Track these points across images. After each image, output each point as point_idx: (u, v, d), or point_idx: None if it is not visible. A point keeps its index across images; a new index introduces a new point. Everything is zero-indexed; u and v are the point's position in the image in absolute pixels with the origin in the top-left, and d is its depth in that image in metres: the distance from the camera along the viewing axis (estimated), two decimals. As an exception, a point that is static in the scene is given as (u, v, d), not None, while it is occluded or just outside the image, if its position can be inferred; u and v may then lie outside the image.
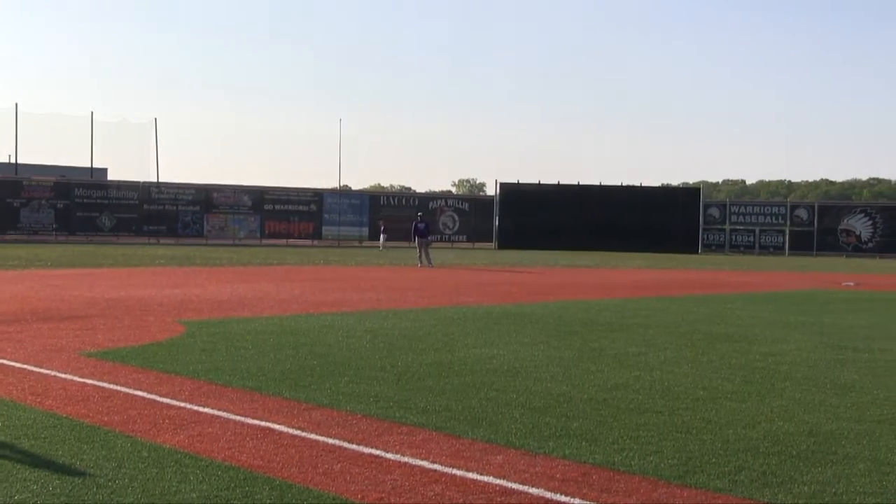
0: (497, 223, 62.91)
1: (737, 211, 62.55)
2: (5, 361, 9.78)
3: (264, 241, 57.32)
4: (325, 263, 35.04)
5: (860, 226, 59.23)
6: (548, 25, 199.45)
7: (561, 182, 62.93)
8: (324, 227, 60.01)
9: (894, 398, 8.78)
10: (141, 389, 8.30)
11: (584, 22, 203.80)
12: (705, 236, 61.31)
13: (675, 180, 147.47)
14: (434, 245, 40.06)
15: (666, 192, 68.48)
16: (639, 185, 63.70)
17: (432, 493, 5.38)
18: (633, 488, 5.60)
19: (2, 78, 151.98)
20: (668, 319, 15.76)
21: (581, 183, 62.94)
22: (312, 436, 6.69)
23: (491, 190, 78.51)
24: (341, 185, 76.30)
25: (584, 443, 6.67)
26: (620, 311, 17.11)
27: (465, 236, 63.04)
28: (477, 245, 61.60)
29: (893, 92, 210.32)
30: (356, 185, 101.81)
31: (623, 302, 19.66)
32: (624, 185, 63.27)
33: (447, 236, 62.15)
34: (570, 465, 6.08)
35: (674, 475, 5.88)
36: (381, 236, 52.38)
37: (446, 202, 65.77)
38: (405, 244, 51.33)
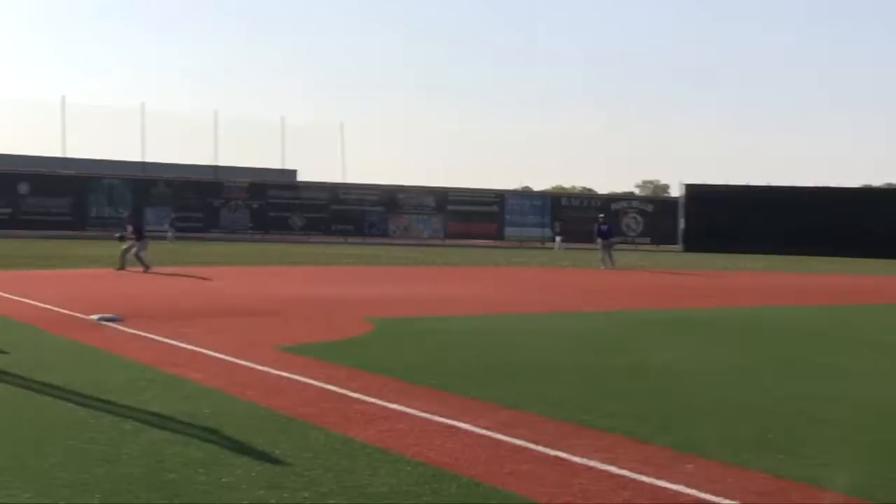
0: (682, 225, 61.48)
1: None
2: (210, 352, 10.32)
3: (447, 241, 58.20)
4: (507, 264, 35.19)
5: None
6: (732, 16, 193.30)
7: (750, 184, 60.82)
8: (506, 228, 60.37)
9: None
10: (333, 384, 8.56)
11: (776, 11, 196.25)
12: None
13: (876, 180, 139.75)
14: (616, 247, 39.53)
15: (867, 193, 65.06)
16: (836, 185, 60.77)
17: (621, 500, 5.28)
18: (835, 505, 5.32)
19: (202, 86, 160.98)
20: (877, 329, 14.92)
21: (771, 184, 60.64)
22: (498, 436, 6.70)
23: (675, 191, 76.81)
24: (523, 185, 76.59)
25: (781, 455, 6.38)
26: (819, 318, 16.36)
27: (648, 238, 61.97)
28: (661, 247, 60.41)
29: None
30: (537, 186, 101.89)
31: (822, 309, 18.78)
32: (818, 186, 60.50)
33: (630, 238, 61.24)
34: (766, 479, 5.83)
35: (886, 498, 5.54)
36: (557, 238, 51.89)
37: (629, 203, 64.87)
38: (585, 245, 50.94)
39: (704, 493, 5.45)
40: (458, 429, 6.88)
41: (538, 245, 58.67)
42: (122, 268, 23.94)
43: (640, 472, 5.83)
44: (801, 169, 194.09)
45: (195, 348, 10.60)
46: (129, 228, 25.16)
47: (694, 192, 60.85)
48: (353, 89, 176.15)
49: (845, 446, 6.69)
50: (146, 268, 23.65)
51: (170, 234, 48.44)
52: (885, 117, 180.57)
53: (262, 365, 9.52)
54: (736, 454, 6.38)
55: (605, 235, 34.56)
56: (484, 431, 6.81)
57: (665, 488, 5.52)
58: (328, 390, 8.28)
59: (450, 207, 59.57)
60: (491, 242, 58.64)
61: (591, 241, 37.73)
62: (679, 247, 60.29)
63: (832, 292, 24.14)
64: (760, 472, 5.97)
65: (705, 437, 6.84)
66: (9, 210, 51.66)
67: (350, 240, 56.24)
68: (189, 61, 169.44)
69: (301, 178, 66.39)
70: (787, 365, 10.60)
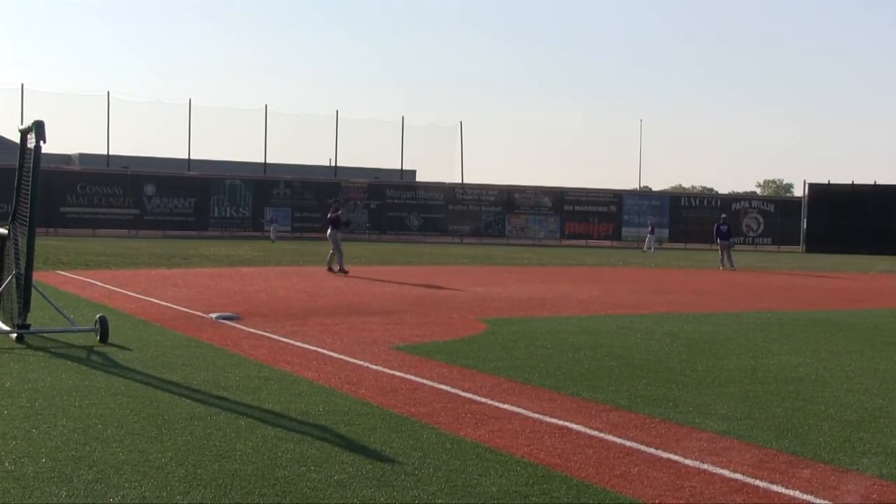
0: (805, 225, 59.57)
1: None
2: (325, 351, 10.53)
3: (563, 242, 57.88)
4: (623, 265, 34.79)
5: None
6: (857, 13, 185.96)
7: (878, 182, 58.47)
8: (623, 228, 59.64)
9: None
10: (445, 383, 8.63)
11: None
12: None
13: None
14: (737, 248, 38.59)
15: None
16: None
17: (733, 504, 5.17)
18: (960, 516, 5.09)
19: (325, 86, 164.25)
20: None
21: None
22: (609, 437, 6.65)
23: (798, 191, 74.46)
24: (641, 185, 75.51)
25: (906, 462, 6.15)
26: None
27: (769, 239, 60.26)
28: (783, 248, 58.67)
29: None
30: (657, 186, 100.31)
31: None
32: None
33: (751, 238, 59.71)
34: (887, 486, 5.62)
35: None
36: (648, 236, 50.64)
37: (750, 203, 63.23)
38: (703, 245, 49.91)
39: (821, 499, 5.30)
40: (569, 430, 6.86)
41: (657, 246, 57.81)
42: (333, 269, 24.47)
43: (754, 477, 5.70)
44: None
45: (310, 347, 10.83)
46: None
47: (818, 191, 58.91)
48: (472, 89, 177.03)
49: (975, 455, 6.39)
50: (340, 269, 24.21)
51: (272, 235, 49.67)
52: None
53: (376, 364, 9.67)
54: (854, 460, 6.17)
55: (724, 236, 33.84)
56: (595, 433, 6.77)
57: (780, 493, 5.39)
58: (440, 390, 8.35)
59: (566, 207, 59.21)
60: (608, 243, 58.02)
61: (711, 241, 36.89)
62: (801, 248, 58.43)
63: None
64: (880, 479, 5.76)
65: (822, 442, 6.64)
66: (136, 211, 53.79)
67: (466, 240, 56.51)
68: (311, 62, 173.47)
69: (419, 178, 67.09)
70: (914, 370, 10.17)
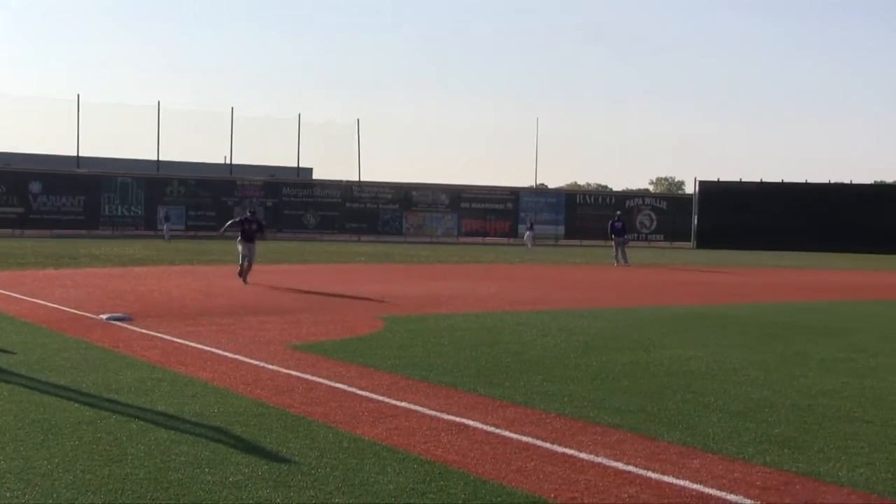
0: (696, 222, 61.29)
1: None
2: (220, 351, 10.37)
3: (461, 239, 58.18)
4: (520, 262, 35.19)
5: None
6: (752, 9, 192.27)
7: (763, 180, 60.56)
8: (520, 226, 60.28)
9: None
10: (342, 382, 8.60)
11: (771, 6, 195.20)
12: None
13: (890, 177, 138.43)
14: (630, 244, 39.45)
15: (880, 189, 64.62)
16: (849, 182, 60.37)
17: (626, 495, 5.29)
18: (841, 501, 5.31)
19: (218, 83, 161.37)
20: (883, 324, 14.87)
21: (785, 181, 60.34)
22: (506, 433, 6.73)
23: (690, 188, 76.55)
24: (538, 183, 76.50)
25: (786, 450, 6.40)
26: (827, 315, 16.30)
27: (662, 235, 61.79)
28: (674, 244, 60.23)
29: None
30: (553, 184, 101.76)
31: (830, 305, 18.71)
32: (832, 182, 60.13)
33: (644, 235, 61.10)
34: (771, 473, 5.83)
35: (889, 490, 5.54)
36: (527, 233, 50.72)
37: (643, 201, 64.69)
38: (598, 242, 50.82)
39: (710, 488, 5.46)
40: (467, 426, 6.91)
41: (552, 243, 58.61)
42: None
43: (647, 468, 5.84)
44: (816, 165, 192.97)
45: (204, 347, 10.66)
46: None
47: (708, 188, 60.65)
48: (370, 86, 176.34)
49: (851, 440, 6.68)
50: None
51: (166, 234, 48.71)
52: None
53: (272, 364, 9.57)
54: (741, 449, 6.39)
55: (619, 233, 34.50)
56: (492, 429, 6.84)
57: (671, 484, 5.53)
58: (337, 389, 8.31)
59: (463, 205, 59.57)
60: (505, 240, 58.60)
61: (606, 238, 37.60)
62: (692, 244, 60.12)
63: (841, 288, 24.03)
64: (765, 466, 5.97)
65: (711, 433, 6.85)
66: (20, 209, 51.93)
67: (364, 238, 56.34)
68: (206, 58, 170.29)
69: (316, 176, 66.48)
70: (795, 360, 10.58)
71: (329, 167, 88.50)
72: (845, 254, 49.99)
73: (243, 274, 20.61)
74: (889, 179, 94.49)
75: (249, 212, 22.07)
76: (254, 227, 21.30)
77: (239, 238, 21.07)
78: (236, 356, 10.04)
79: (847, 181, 60.34)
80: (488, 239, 58.83)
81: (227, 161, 62.34)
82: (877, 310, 17.70)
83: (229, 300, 16.32)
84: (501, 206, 60.46)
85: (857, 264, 39.19)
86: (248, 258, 20.71)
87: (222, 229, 22.81)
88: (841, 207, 57.28)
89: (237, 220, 21.93)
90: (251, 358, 9.92)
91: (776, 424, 7.20)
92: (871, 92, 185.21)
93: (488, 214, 60.09)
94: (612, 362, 10.17)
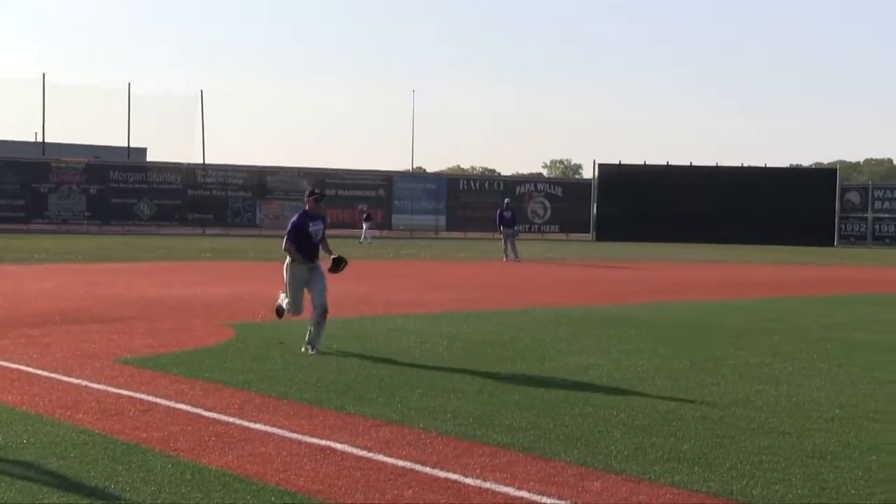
0: (595, 211, 62.46)
1: (881, 196, 60.92)
2: (31, 370, 10.06)
3: (326, 231, 57.92)
4: (395, 257, 35.27)
5: None
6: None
7: (671, 163, 62.21)
8: (394, 216, 60.39)
9: None
10: (184, 402, 8.47)
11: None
12: (842, 226, 59.87)
13: (806, 160, 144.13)
14: (521, 236, 39.95)
15: (795, 173, 67.22)
16: (763, 165, 62.61)
17: (518, 526, 5.37)
18: (755, 523, 5.52)
19: (27, 45, 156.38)
20: (799, 324, 15.48)
21: (694, 164, 62.14)
22: (380, 457, 6.74)
23: (588, 172, 78.10)
24: (414, 167, 76.80)
25: (696, 468, 6.60)
26: (741, 314, 16.86)
27: (557, 226, 62.78)
28: (571, 236, 61.30)
29: None
30: (432, 168, 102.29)
31: (744, 303, 19.38)
32: (745, 165, 62.26)
33: (537, 226, 61.97)
34: (680, 494, 6.01)
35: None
36: (364, 225, 50.41)
37: (536, 186, 65.62)
38: (485, 234, 51.40)
39: (612, 514, 5.59)
40: (333, 450, 6.91)
41: (432, 235, 58.93)
42: None
43: (541, 493, 5.95)
44: (727, 147, 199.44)
45: (10, 365, 10.34)
46: None
47: (608, 172, 61.86)
48: (215, 54, 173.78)
49: (766, 455, 6.94)
50: None
51: None
52: (809, 97, 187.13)
53: (97, 382, 9.35)
54: (647, 468, 6.57)
55: (508, 223, 34.80)
56: (363, 452, 6.86)
57: (568, 511, 5.63)
58: (178, 410, 8.18)
59: (329, 192, 59.30)
60: (377, 232, 58.59)
61: (494, 229, 37.97)
62: (591, 235, 61.27)
63: (755, 285, 24.92)
64: (673, 487, 6.15)
65: (614, 451, 7.01)
66: None
67: (209, 230, 55.45)
68: (13, 17, 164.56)
69: (151, 157, 65.10)
70: (707, 367, 10.92)
71: (166, 148, 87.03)
72: (760, 245, 51.80)
73: None
74: (806, 163, 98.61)
75: None
76: None
77: None
78: (52, 374, 9.77)
79: (762, 164, 62.62)
80: (358, 231, 58.78)
81: (39, 139, 60.47)
82: (794, 308, 18.42)
83: (43, 306, 15.85)
84: (373, 193, 60.41)
85: (773, 257, 40.67)
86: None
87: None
88: (755, 194, 59.27)
89: None
90: (70, 376, 9.67)
91: (686, 439, 7.42)
92: (786, 70, 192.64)
93: (357, 202, 59.94)
94: (502, 373, 10.30)
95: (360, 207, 54.84)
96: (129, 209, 55.61)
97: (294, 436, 7.31)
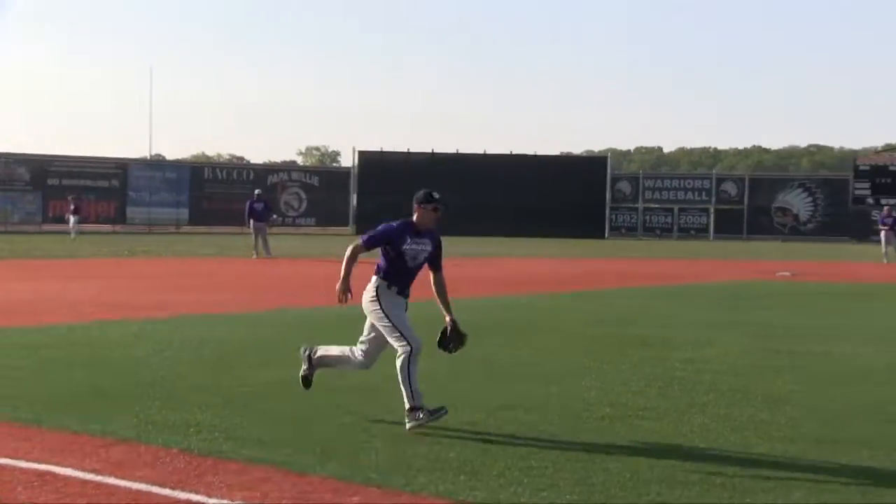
0: (355, 202, 62.72)
1: (651, 185, 64.06)
2: None
3: (46, 227, 55.62)
4: (131, 255, 34.40)
5: (798, 203, 61.43)
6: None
7: (436, 151, 63.20)
8: (129, 208, 58.78)
9: (835, 411, 9.18)
10: None
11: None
12: (613, 217, 62.53)
13: (577, 148, 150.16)
14: (274, 230, 39.68)
15: (565, 162, 69.68)
16: (532, 153, 64.50)
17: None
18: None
19: None
20: (568, 321, 16.02)
21: (461, 151, 63.35)
22: (110, 480, 6.54)
23: (347, 160, 78.42)
24: (152, 154, 74.99)
25: (461, 476, 6.71)
26: (508, 311, 17.32)
27: (314, 219, 62.74)
28: (329, 230, 61.34)
29: (833, 42, 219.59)
30: (172, 155, 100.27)
31: (511, 299, 19.91)
32: (512, 153, 63.94)
33: (291, 219, 61.76)
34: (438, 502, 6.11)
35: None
36: (71, 218, 49.06)
37: (290, 176, 65.36)
38: (231, 229, 50.83)
39: (371, 531, 5.61)
40: (55, 475, 6.65)
41: (173, 230, 57.76)
42: None
43: (294, 512, 5.90)
44: (495, 134, 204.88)
45: None
46: None
47: (369, 160, 62.24)
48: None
49: (534, 460, 7.14)
50: None
51: None
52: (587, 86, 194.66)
53: None
54: (409, 479, 6.64)
55: (259, 216, 34.53)
56: (90, 476, 6.64)
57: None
58: None
59: (51, 181, 56.90)
60: (109, 227, 56.87)
61: (243, 223, 37.49)
62: (350, 229, 61.47)
63: (521, 279, 25.68)
64: (437, 497, 6.26)
65: (374, 463, 7.05)
66: None
67: None
68: None
69: None
70: (475, 367, 11.19)
71: None
72: (530, 238, 53.33)
73: None
74: (577, 151, 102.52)
75: None
76: None
77: None
78: None
79: (531, 152, 64.52)
80: (87, 226, 56.84)
81: None
82: (562, 304, 19.10)
83: None
84: (105, 184, 58.55)
85: (543, 251, 41.97)
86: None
87: None
88: (524, 183, 60.88)
89: None
90: None
91: (451, 447, 7.54)
92: (554, 56, 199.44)
93: (86, 193, 57.92)
94: (252, 381, 10.21)
95: (68, 198, 51.51)
96: None
97: (5, 461, 6.97)
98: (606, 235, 60.77)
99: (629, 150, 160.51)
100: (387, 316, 8.66)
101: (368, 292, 8.83)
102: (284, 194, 62.27)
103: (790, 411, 9.05)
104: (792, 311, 18.30)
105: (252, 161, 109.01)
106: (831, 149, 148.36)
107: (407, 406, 8.08)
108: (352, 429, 8.11)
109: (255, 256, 33.32)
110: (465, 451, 7.42)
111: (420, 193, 9.09)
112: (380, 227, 9.02)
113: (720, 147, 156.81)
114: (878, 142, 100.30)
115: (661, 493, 6.41)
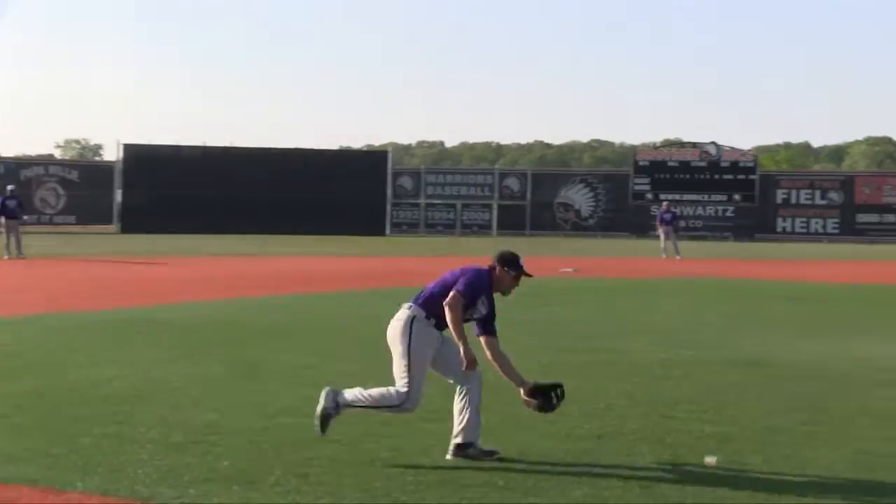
0: (119, 199, 61.18)
1: (434, 181, 64.68)
2: None
3: None
4: None
5: (580, 199, 63.17)
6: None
7: (208, 144, 62.30)
8: None
9: (618, 407, 9.52)
10: None
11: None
12: (395, 213, 62.79)
13: (357, 143, 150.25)
14: (28, 229, 38.33)
15: (344, 156, 69.75)
16: (312, 147, 64.34)
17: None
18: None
19: None
20: (346, 322, 16.04)
21: (235, 144, 62.66)
22: None
23: (111, 154, 76.41)
24: None
25: (236, 486, 6.66)
26: (281, 313, 17.20)
27: (73, 216, 60.82)
28: (91, 228, 59.58)
29: (608, 39, 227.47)
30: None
31: (285, 300, 19.81)
32: (290, 147, 63.62)
33: (48, 217, 59.72)
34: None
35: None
36: None
37: (46, 170, 63.19)
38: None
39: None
40: None
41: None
42: None
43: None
44: (271, 128, 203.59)
45: None
46: None
47: (136, 154, 60.78)
48: None
49: (315, 466, 7.13)
50: None
51: None
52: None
53: None
54: (181, 491, 6.54)
55: (12, 214, 33.41)
56: None
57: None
58: None
59: None
60: None
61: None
62: (115, 227, 59.95)
63: (297, 278, 25.62)
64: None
65: (142, 475, 6.92)
66: None
67: None
68: None
69: None
70: (249, 372, 11.11)
71: None
72: (308, 235, 53.09)
73: None
74: (357, 146, 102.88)
75: None
76: None
77: None
78: None
79: (314, 147, 64.39)
80: None
81: None
82: (338, 303, 19.11)
83: None
84: None
85: (320, 249, 41.89)
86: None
87: None
88: (302, 178, 60.48)
89: None
90: None
91: (225, 456, 7.44)
92: (324, 49, 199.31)
93: None
94: (5, 392, 9.86)
95: None
96: None
97: None
98: (387, 233, 60.99)
99: (411, 145, 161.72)
100: (409, 356, 8.13)
101: (400, 321, 8.29)
102: (41, 190, 60.12)
103: (575, 409, 9.28)
104: (574, 308, 18.84)
105: (4, 155, 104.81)
106: (612, 144, 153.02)
107: (320, 408, 7.78)
108: (117, 440, 7.93)
109: (6, 256, 32.15)
110: (240, 459, 7.35)
111: (509, 255, 8.61)
112: (471, 275, 8.27)
113: (503, 142, 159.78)
114: (658, 137, 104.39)
115: (443, 497, 6.50)
